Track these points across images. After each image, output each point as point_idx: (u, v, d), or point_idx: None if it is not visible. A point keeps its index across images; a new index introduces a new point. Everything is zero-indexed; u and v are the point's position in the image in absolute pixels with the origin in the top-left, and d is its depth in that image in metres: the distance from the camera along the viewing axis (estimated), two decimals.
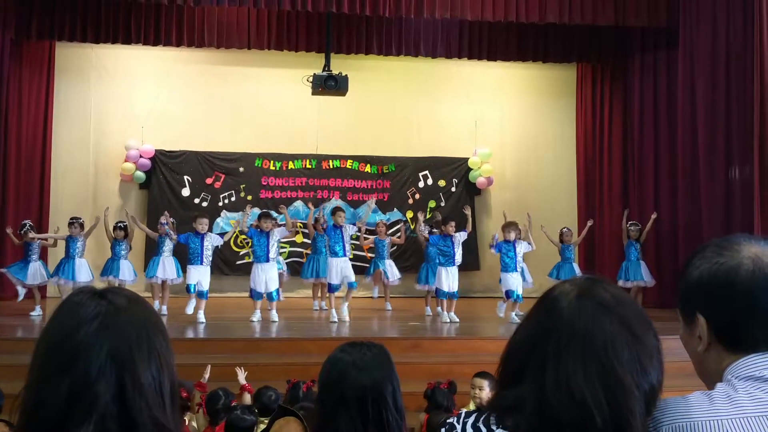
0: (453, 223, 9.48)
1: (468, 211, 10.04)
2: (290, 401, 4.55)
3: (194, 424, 4.79)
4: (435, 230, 9.88)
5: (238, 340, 8.04)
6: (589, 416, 1.16)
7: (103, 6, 10.59)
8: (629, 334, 1.22)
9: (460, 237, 9.44)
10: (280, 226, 9.53)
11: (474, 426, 1.27)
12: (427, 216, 12.34)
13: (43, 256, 10.94)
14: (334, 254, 9.37)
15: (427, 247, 9.89)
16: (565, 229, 10.58)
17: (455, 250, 9.38)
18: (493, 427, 1.24)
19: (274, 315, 9.02)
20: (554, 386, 1.18)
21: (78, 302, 1.21)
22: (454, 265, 9.39)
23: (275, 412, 3.07)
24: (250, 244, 11.11)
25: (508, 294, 9.23)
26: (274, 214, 9.78)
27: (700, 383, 1.32)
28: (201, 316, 8.82)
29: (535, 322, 1.28)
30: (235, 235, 11.78)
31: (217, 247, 9.73)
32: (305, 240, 11.76)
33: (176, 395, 1.24)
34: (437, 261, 9.56)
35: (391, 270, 10.52)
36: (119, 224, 9.74)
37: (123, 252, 9.66)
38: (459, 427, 1.29)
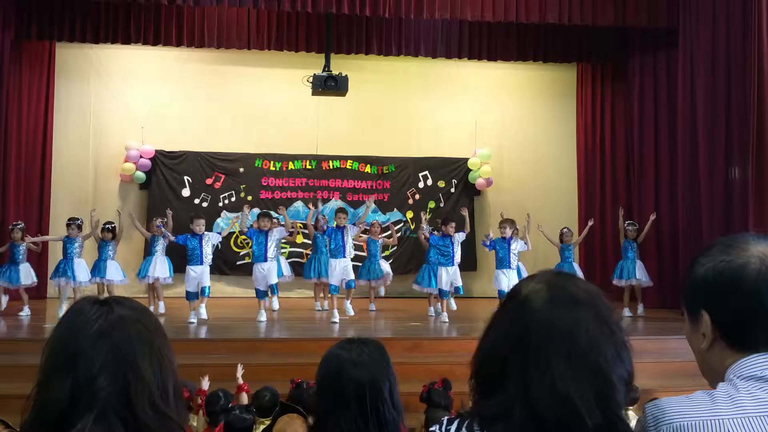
0: (453, 224, 9.57)
1: (465, 213, 10.08)
2: (293, 401, 4.55)
3: (195, 424, 4.79)
4: (435, 231, 9.91)
5: (238, 340, 8.04)
6: (579, 418, 1.14)
7: (103, 6, 10.59)
8: (607, 328, 1.21)
9: (459, 237, 9.54)
10: (279, 226, 9.54)
11: None
12: (427, 216, 12.36)
13: (43, 257, 10.97)
14: (335, 255, 9.37)
15: (429, 248, 9.89)
16: (565, 229, 10.57)
17: (454, 249, 9.46)
18: None
19: (275, 304, 9.06)
20: (541, 391, 1.16)
21: (81, 308, 1.28)
22: (453, 264, 9.49)
23: (278, 410, 3.07)
24: (250, 245, 11.11)
25: (500, 294, 9.26)
26: (274, 214, 9.78)
27: (700, 383, 1.31)
28: (203, 312, 8.82)
29: (508, 324, 1.25)
30: (235, 235, 11.79)
31: (216, 246, 9.72)
32: (305, 240, 11.76)
33: (179, 392, 1.28)
34: (438, 262, 9.57)
35: (385, 270, 10.51)
36: (107, 225, 9.70)
37: (110, 253, 9.63)
38: None
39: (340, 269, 9.31)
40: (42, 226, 11.14)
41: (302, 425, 2.83)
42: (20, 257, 9.42)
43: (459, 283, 9.50)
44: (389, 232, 11.64)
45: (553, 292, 1.24)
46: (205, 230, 9.25)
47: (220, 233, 9.71)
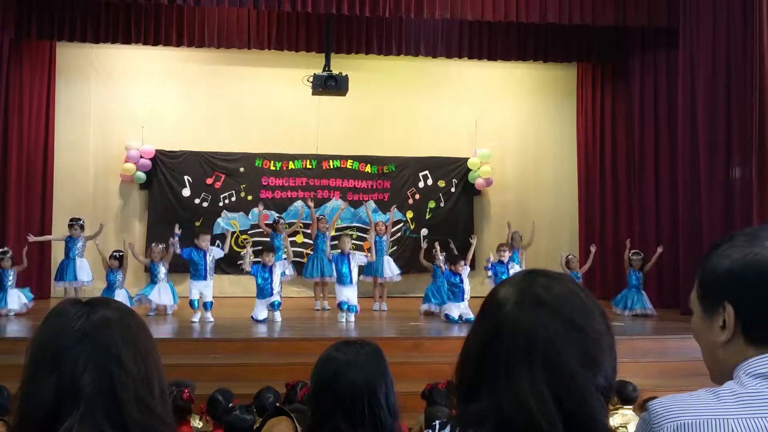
0: (462, 262, 9.52)
1: (474, 241, 10.11)
2: (288, 404, 4.56)
3: (195, 424, 4.79)
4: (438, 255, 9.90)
5: (238, 340, 8.05)
6: (535, 421, 1.13)
7: (103, 6, 10.57)
8: (573, 328, 1.19)
9: (466, 271, 9.55)
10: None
11: None
12: (427, 216, 12.37)
13: (47, 258, 10.93)
14: (341, 282, 9.22)
15: (435, 269, 9.84)
16: (570, 256, 10.38)
17: (464, 286, 9.45)
18: None
19: (278, 316, 9.06)
20: (507, 397, 1.15)
21: (63, 309, 1.28)
22: (463, 300, 9.40)
23: (270, 412, 3.08)
24: (251, 244, 11.12)
25: None
26: (275, 214, 9.78)
27: (700, 383, 1.30)
28: (209, 316, 8.92)
29: (482, 329, 1.25)
30: (236, 234, 11.79)
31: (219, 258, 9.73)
32: (306, 240, 11.76)
33: (165, 391, 1.27)
34: (449, 298, 9.53)
35: (389, 266, 10.53)
36: (115, 254, 9.60)
37: (118, 281, 9.50)
38: None
39: (346, 296, 9.16)
40: (44, 226, 11.15)
41: (288, 427, 2.83)
42: (9, 283, 9.27)
43: (470, 316, 9.27)
44: (394, 228, 11.66)
45: (519, 294, 1.23)
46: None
47: (223, 249, 9.62)
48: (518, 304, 1.22)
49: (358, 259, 9.43)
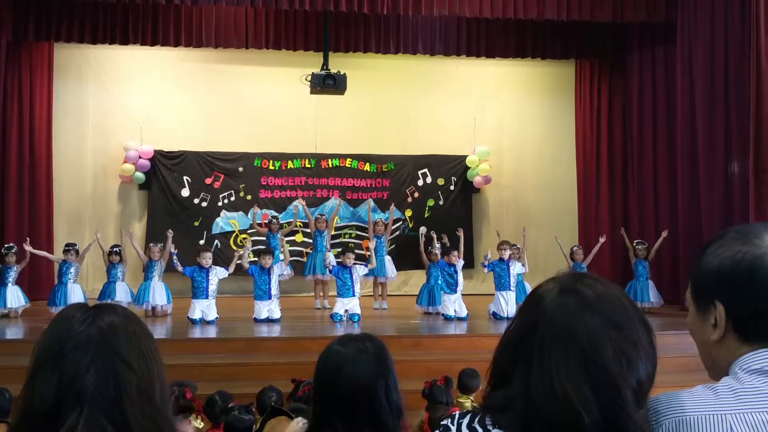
0: (456, 253, 9.54)
1: (461, 234, 10.04)
2: (295, 400, 4.55)
3: (195, 424, 4.79)
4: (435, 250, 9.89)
5: (238, 340, 8.05)
6: (576, 414, 1.14)
7: (100, 6, 10.56)
8: (613, 328, 1.20)
9: (460, 264, 9.56)
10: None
11: (469, 426, 1.25)
12: (426, 214, 12.38)
13: (51, 264, 10.92)
14: (342, 295, 9.13)
15: (430, 267, 9.86)
16: (575, 248, 10.39)
17: (458, 278, 9.46)
18: (490, 428, 1.22)
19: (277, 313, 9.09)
20: (539, 385, 1.18)
21: (68, 314, 1.29)
22: (456, 292, 9.41)
23: (267, 413, 3.07)
24: (250, 242, 11.13)
25: (495, 316, 9.33)
26: (274, 213, 9.78)
27: (700, 379, 1.31)
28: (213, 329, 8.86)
29: (522, 320, 1.28)
30: (235, 234, 11.79)
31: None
32: (306, 239, 11.77)
33: (167, 394, 1.28)
34: (439, 285, 9.55)
35: (389, 266, 10.53)
36: (114, 248, 9.64)
37: (119, 275, 9.53)
38: (454, 428, 1.27)
39: (349, 308, 9.11)
40: (49, 229, 11.15)
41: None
42: (9, 280, 9.30)
43: (464, 313, 9.33)
44: (394, 226, 11.65)
45: (562, 291, 1.25)
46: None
47: (227, 269, 9.40)
48: (559, 296, 1.24)
49: (359, 270, 9.39)
